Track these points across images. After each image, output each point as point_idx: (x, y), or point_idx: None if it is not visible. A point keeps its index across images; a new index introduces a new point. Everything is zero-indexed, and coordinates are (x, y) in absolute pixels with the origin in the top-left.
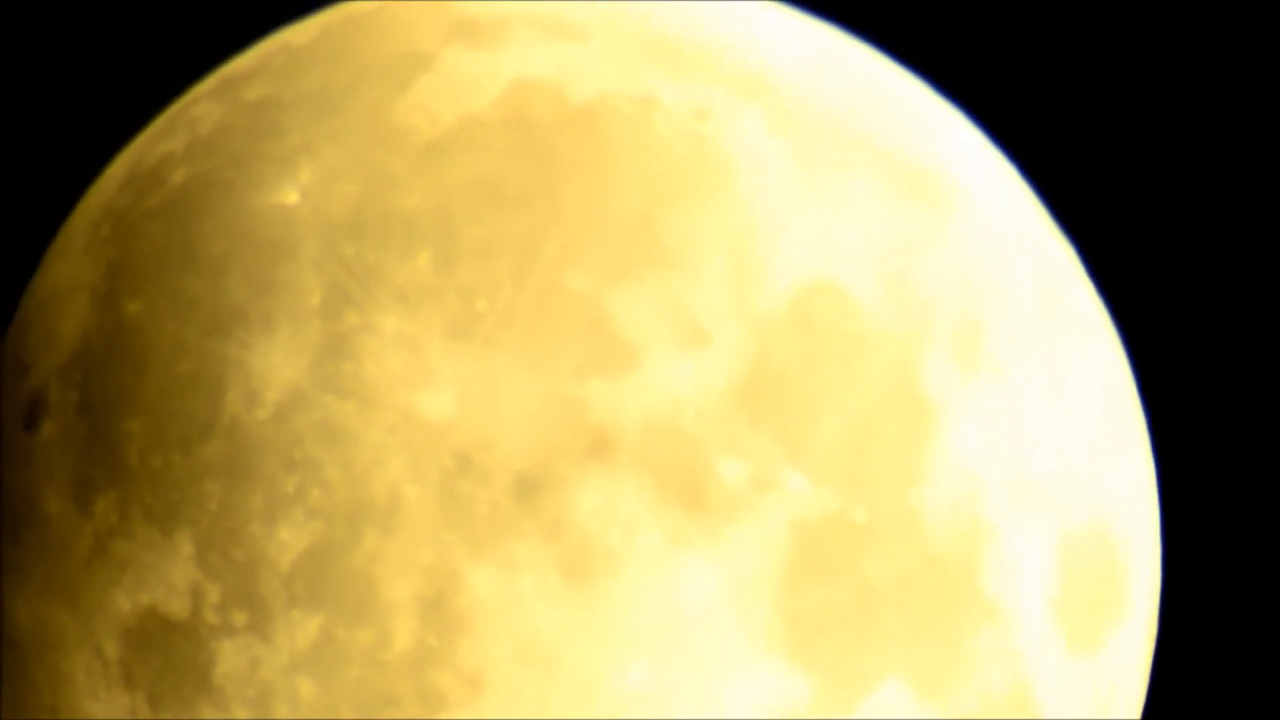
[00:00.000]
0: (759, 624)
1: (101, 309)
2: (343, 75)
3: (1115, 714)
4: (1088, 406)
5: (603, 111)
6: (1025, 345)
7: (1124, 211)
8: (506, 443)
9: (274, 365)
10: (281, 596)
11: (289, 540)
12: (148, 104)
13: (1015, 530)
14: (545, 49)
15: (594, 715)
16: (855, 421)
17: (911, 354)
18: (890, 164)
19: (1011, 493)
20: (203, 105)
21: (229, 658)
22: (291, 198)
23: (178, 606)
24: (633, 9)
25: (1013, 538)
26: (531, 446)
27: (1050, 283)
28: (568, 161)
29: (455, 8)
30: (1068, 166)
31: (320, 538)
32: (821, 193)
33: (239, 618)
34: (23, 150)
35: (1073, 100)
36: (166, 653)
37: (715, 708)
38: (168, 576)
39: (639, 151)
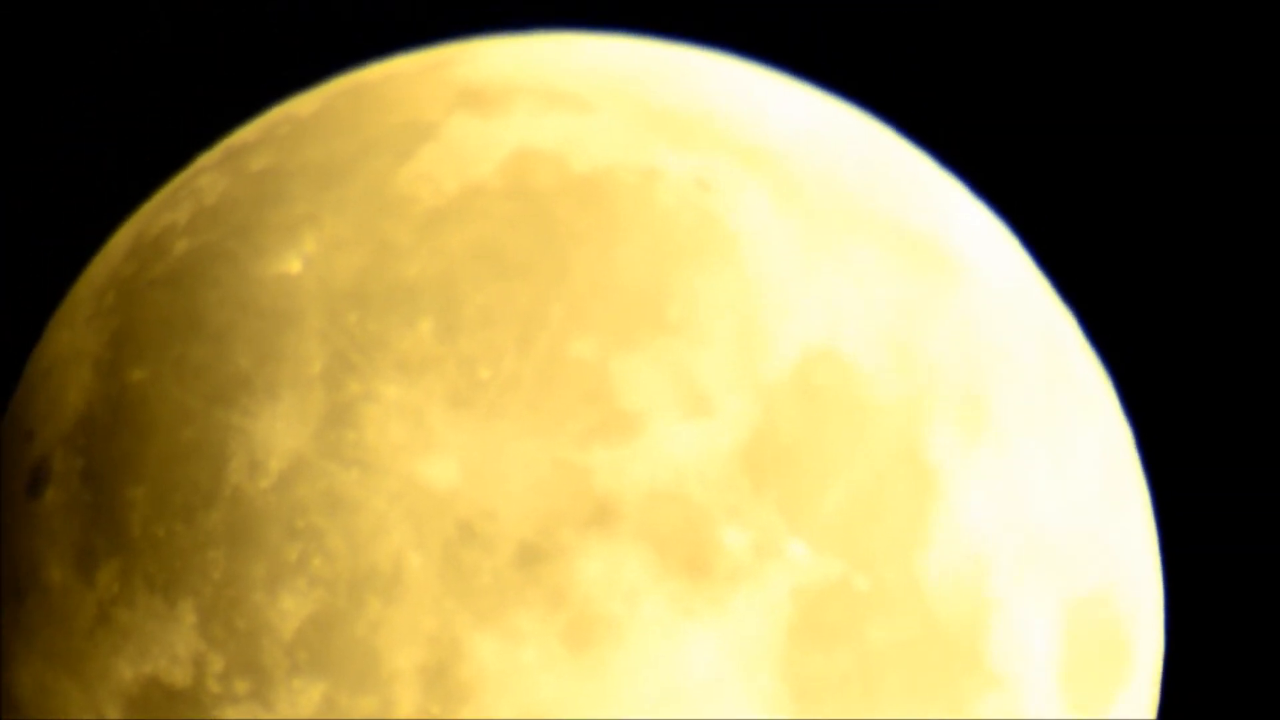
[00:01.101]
0: (762, 692)
1: (106, 377)
2: (346, 145)
3: None
4: (1091, 475)
5: (607, 181)
6: (1029, 414)
7: (1127, 283)
8: (509, 511)
9: (277, 433)
10: (284, 665)
11: (292, 609)
12: (152, 174)
13: (1019, 598)
14: (549, 118)
15: None
16: (859, 489)
17: (915, 422)
18: (894, 234)
19: (1015, 561)
20: (207, 176)
21: None
22: (295, 267)
23: (180, 675)
24: (636, 79)
25: (1017, 606)
26: (534, 514)
27: (1053, 352)
28: (571, 231)
29: (460, 77)
30: (1070, 238)
31: (323, 606)
32: (825, 262)
33: (241, 686)
34: (27, 219)
35: (1077, 173)
36: None
37: None
38: (170, 645)
39: (643, 221)
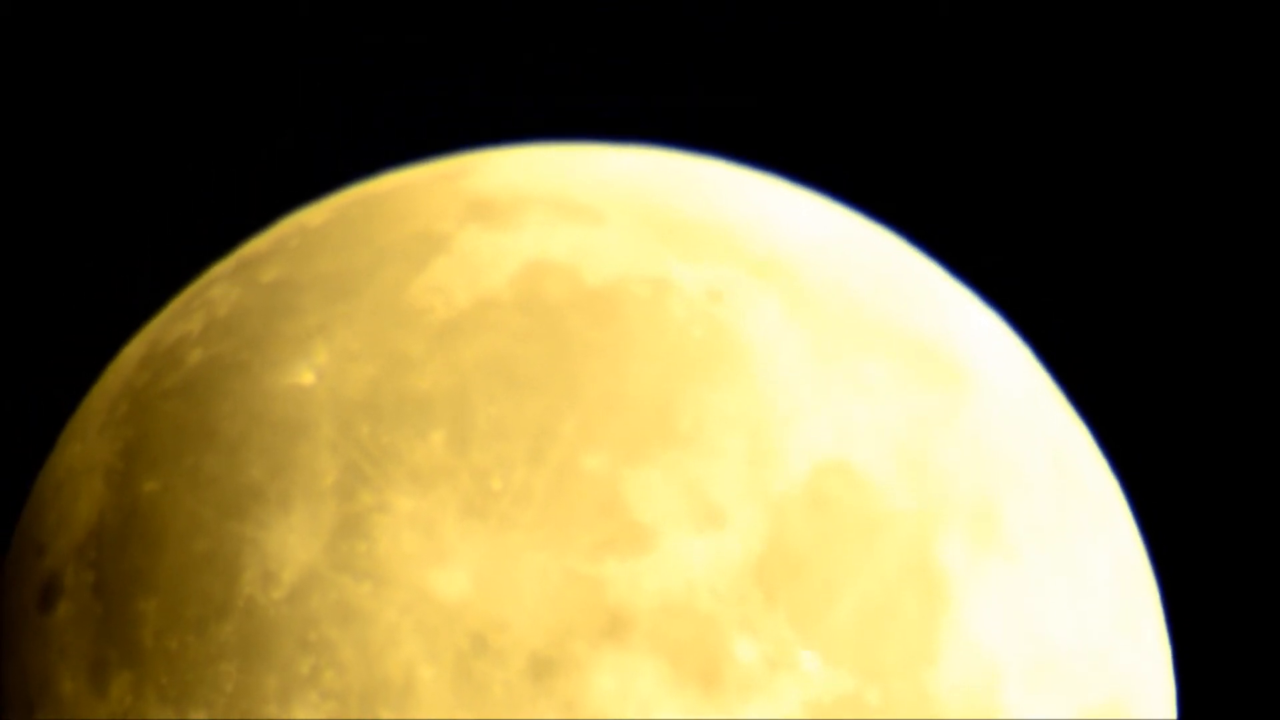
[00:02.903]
0: None
1: (118, 488)
2: (358, 256)
3: None
4: (1103, 587)
5: (618, 293)
6: (1040, 526)
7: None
8: (521, 623)
9: (289, 545)
10: None
11: None
12: (165, 285)
13: (1031, 712)
14: (560, 230)
15: None
16: (870, 602)
17: (927, 535)
18: (905, 345)
19: (1027, 675)
20: (219, 287)
21: None
22: (307, 378)
23: None
24: (647, 190)
25: (1028, 719)
26: (546, 627)
27: (1065, 464)
28: (583, 343)
29: (470, 188)
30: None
31: (335, 719)
32: (836, 375)
33: None
34: (40, 330)
35: (1088, 282)
36: None
37: None
38: None
39: (654, 333)
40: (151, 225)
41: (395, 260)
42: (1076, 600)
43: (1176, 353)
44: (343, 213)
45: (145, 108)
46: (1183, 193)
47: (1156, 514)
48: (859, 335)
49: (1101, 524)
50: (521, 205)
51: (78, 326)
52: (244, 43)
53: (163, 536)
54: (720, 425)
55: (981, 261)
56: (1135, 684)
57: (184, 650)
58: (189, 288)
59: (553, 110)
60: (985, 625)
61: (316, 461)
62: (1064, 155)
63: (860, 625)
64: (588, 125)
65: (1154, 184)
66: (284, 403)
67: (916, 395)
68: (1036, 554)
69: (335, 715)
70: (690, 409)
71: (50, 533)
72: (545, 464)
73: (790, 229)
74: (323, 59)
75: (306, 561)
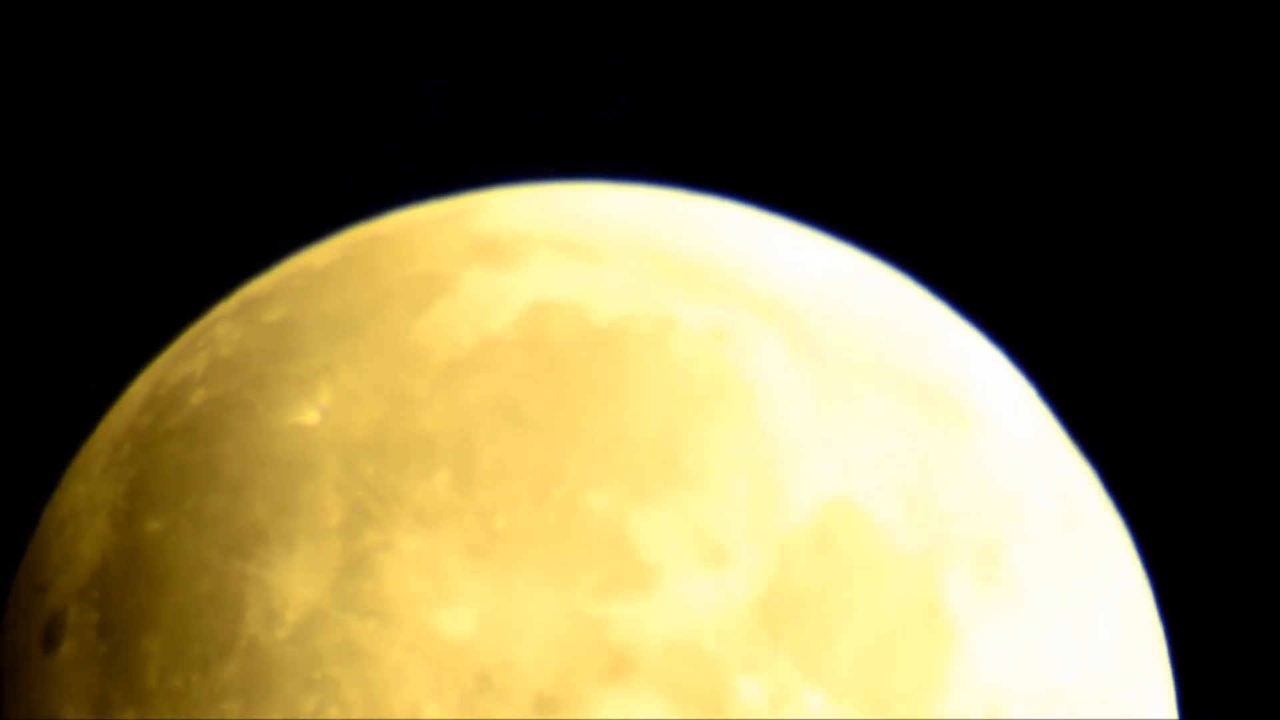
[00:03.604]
0: None
1: (122, 528)
2: (362, 296)
3: None
4: (1107, 625)
5: (622, 332)
6: (1044, 565)
7: (1144, 433)
8: (526, 662)
9: (294, 584)
10: None
11: None
12: (168, 325)
13: None
14: (564, 270)
15: None
16: (874, 640)
17: (930, 573)
18: (908, 384)
19: (1032, 712)
20: (223, 326)
21: None
22: (311, 418)
23: None
24: (650, 229)
25: None
26: (551, 666)
27: (1069, 502)
28: (586, 382)
29: (474, 229)
30: (1088, 387)
31: None
32: (840, 413)
33: None
34: (42, 371)
35: (1092, 320)
36: None
37: None
38: None
39: (658, 372)
40: (155, 263)
41: (399, 300)
42: (1081, 637)
43: (1180, 390)
44: (346, 253)
45: (145, 108)
46: (1189, 232)
47: (1160, 551)
48: (862, 373)
49: (1105, 561)
50: (525, 245)
51: (81, 365)
52: (244, 43)
53: (166, 576)
54: (724, 464)
55: (986, 300)
56: None
57: (188, 689)
58: (192, 328)
59: (553, 110)
60: (990, 663)
61: (321, 501)
62: (1069, 198)
63: (864, 664)
64: (589, 164)
65: (1160, 224)
66: (288, 442)
67: (920, 433)
68: (1040, 591)
69: None
70: (694, 448)
71: (54, 572)
72: (549, 503)
73: (793, 267)
74: (323, 59)
75: (311, 600)
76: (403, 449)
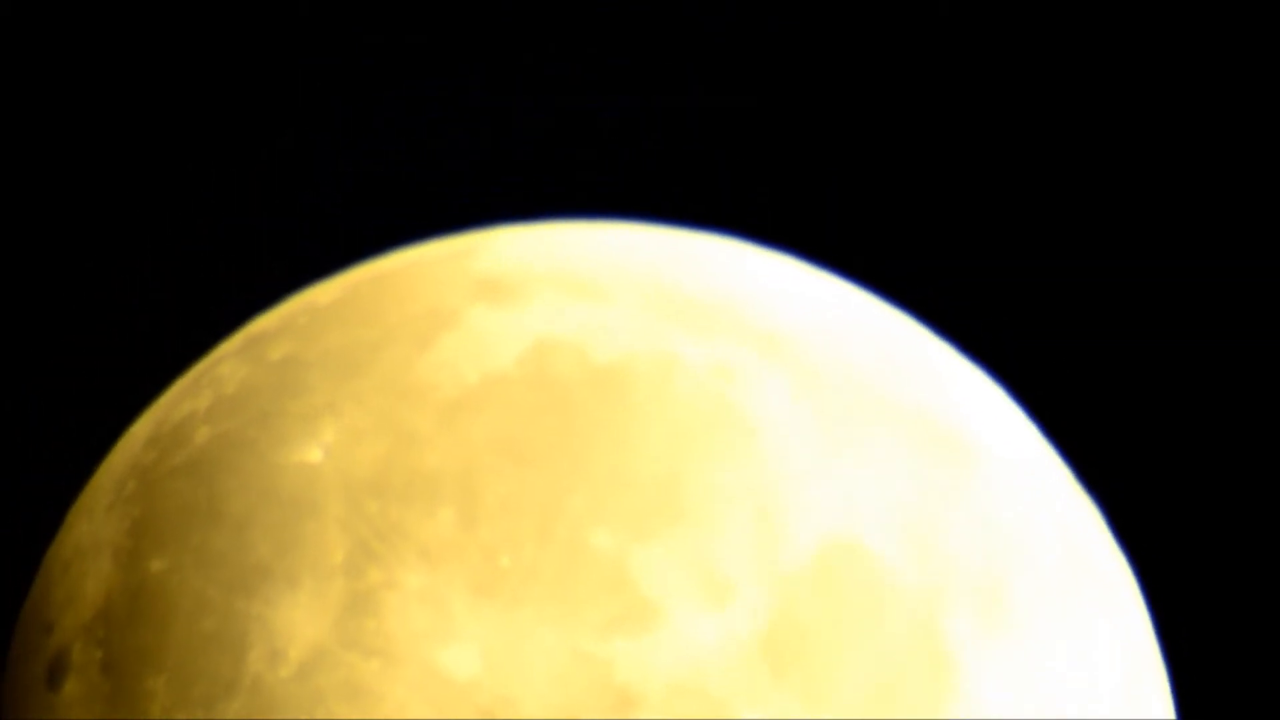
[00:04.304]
0: None
1: (126, 567)
2: (366, 334)
3: None
4: (1110, 663)
5: (625, 370)
6: (1047, 603)
7: (1143, 466)
8: (530, 700)
9: (297, 622)
10: None
11: None
12: (172, 362)
13: None
14: (567, 308)
15: None
16: (877, 678)
17: (933, 611)
18: (912, 422)
19: None
20: (227, 364)
21: None
22: (315, 456)
23: None
24: (654, 267)
25: None
26: (555, 704)
27: (1072, 540)
28: (590, 420)
29: (478, 267)
30: (1088, 423)
31: None
32: (843, 450)
33: None
34: (47, 407)
35: (1094, 358)
36: None
37: None
38: None
39: (661, 410)
40: (160, 300)
41: (403, 338)
42: (1084, 675)
43: (1183, 428)
44: (351, 290)
45: (145, 108)
46: (1187, 267)
47: (1163, 588)
48: (865, 412)
49: (1108, 598)
50: (529, 283)
51: (85, 402)
52: (244, 43)
53: (170, 614)
54: (727, 502)
55: (988, 337)
56: None
57: None
58: (196, 365)
59: (553, 110)
60: (992, 701)
61: (324, 539)
62: (1070, 236)
63: (868, 701)
64: (593, 202)
65: (1158, 258)
66: (291, 480)
67: (922, 470)
68: (1043, 629)
69: None
70: (697, 486)
71: (58, 610)
72: (553, 541)
73: (795, 306)
74: (323, 59)
75: (314, 639)
76: (406, 486)
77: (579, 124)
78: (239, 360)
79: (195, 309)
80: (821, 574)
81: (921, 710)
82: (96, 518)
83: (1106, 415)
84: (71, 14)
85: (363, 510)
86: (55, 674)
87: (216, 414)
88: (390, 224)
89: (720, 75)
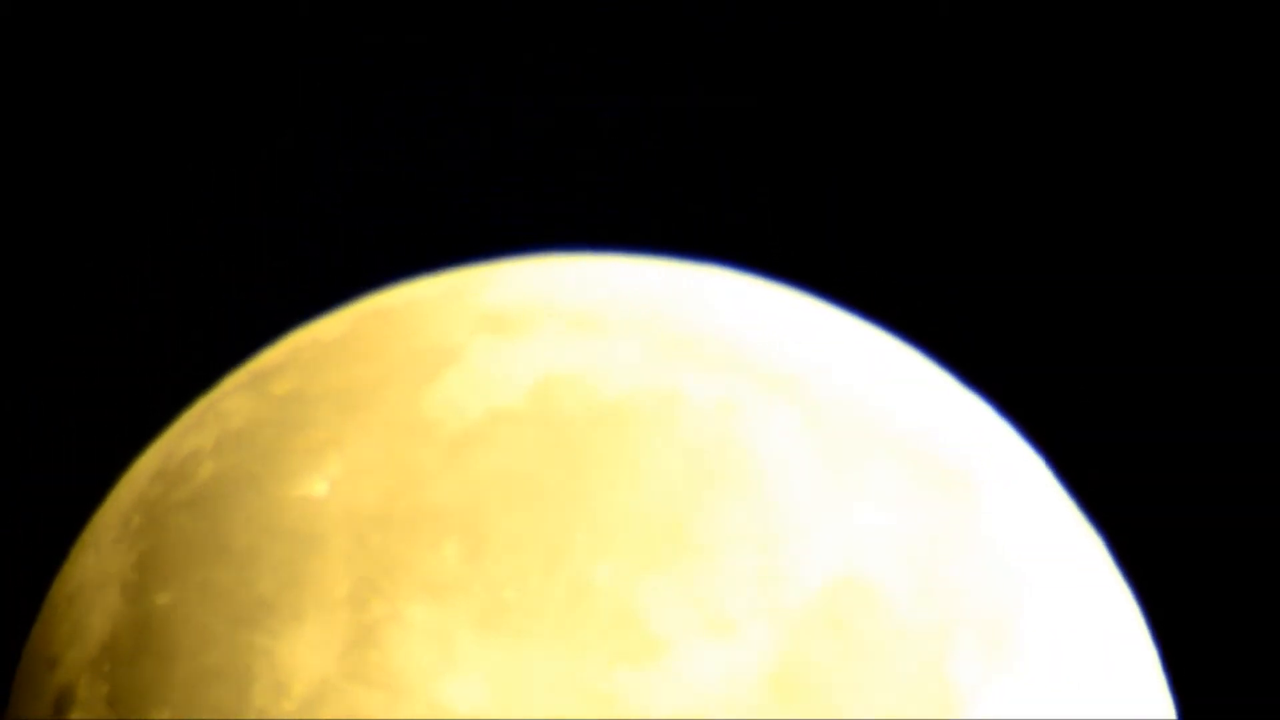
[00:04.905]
0: None
1: (132, 601)
2: (371, 369)
3: None
4: (1118, 699)
5: (630, 406)
6: (1054, 638)
7: (1150, 500)
8: None
9: (301, 656)
10: None
11: None
12: (177, 397)
13: None
14: (573, 343)
15: None
16: (885, 715)
17: (940, 648)
18: (917, 457)
19: None
20: (232, 399)
21: None
22: (319, 490)
23: None
24: (658, 301)
25: None
26: None
27: (1079, 575)
28: (595, 455)
29: (483, 301)
30: (1095, 458)
31: None
32: (849, 486)
33: None
34: (52, 442)
35: (1099, 392)
36: None
37: None
38: None
39: (667, 445)
40: (165, 335)
41: (407, 372)
42: (1091, 710)
43: (1189, 458)
44: (355, 325)
45: (145, 108)
46: (1191, 300)
47: (1170, 623)
48: (871, 447)
49: (1115, 633)
50: (533, 318)
51: (91, 437)
52: (244, 43)
53: (175, 648)
54: (733, 538)
55: (994, 371)
56: None
57: None
58: (202, 400)
59: (553, 110)
60: None
61: (329, 573)
62: (1075, 270)
63: None
64: (597, 236)
65: (1161, 289)
66: (296, 515)
67: (929, 507)
68: (1050, 662)
69: None
70: (703, 521)
71: (63, 645)
72: (559, 575)
73: (800, 341)
74: (323, 59)
75: (319, 672)
76: (411, 521)
77: (579, 124)
78: (244, 395)
79: (195, 309)
80: (828, 611)
81: None
82: (103, 551)
83: (1112, 447)
84: (71, 14)
85: (367, 544)
86: (60, 709)
87: (222, 449)
88: (390, 224)
89: (720, 75)
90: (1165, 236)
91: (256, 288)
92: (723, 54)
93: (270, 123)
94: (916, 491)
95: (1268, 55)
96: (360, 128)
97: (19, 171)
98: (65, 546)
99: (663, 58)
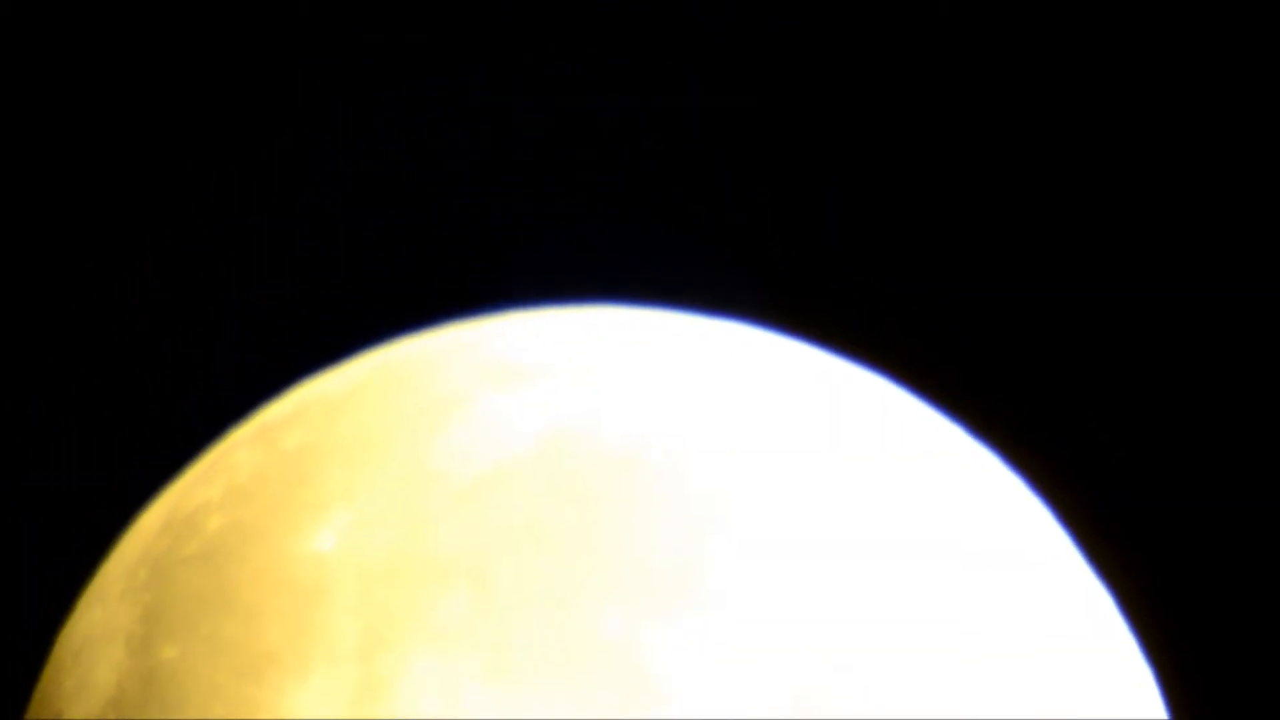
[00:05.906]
0: None
1: (137, 655)
2: (379, 421)
3: None
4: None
5: (638, 456)
6: (1067, 694)
7: (1152, 553)
8: None
9: (308, 709)
10: None
11: None
12: (184, 450)
13: None
14: (579, 393)
15: None
16: None
17: (956, 698)
18: (924, 506)
19: None
20: (240, 452)
21: None
22: (327, 544)
23: None
24: (664, 352)
25: None
26: None
27: (1089, 630)
28: (604, 505)
29: (490, 353)
30: (1096, 462)
31: None
32: (856, 533)
33: None
34: (58, 494)
35: (1104, 448)
36: None
37: None
38: None
39: (675, 493)
40: (171, 389)
41: (416, 425)
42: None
43: (1189, 461)
44: (363, 378)
45: (144, 108)
46: (1191, 301)
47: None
48: (876, 494)
49: (1128, 692)
50: (539, 370)
51: (96, 490)
52: (244, 43)
53: (181, 703)
54: (742, 584)
55: (1002, 423)
56: None
57: None
58: (209, 452)
59: (553, 110)
60: None
61: (336, 625)
62: (1084, 335)
63: None
64: (588, 125)
65: (1161, 290)
66: (303, 568)
67: (938, 563)
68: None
69: None
70: (712, 569)
71: (69, 700)
72: (567, 624)
73: (808, 391)
74: (323, 59)
75: None
76: (419, 572)
77: (579, 124)
78: (252, 448)
79: (195, 309)
80: (837, 658)
81: None
82: (109, 605)
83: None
84: (71, 14)
85: (375, 596)
86: None
87: (229, 503)
88: (390, 224)
89: (720, 75)
90: (1165, 240)
91: (257, 288)
92: (723, 54)
93: (270, 123)
94: (924, 541)
95: (1268, 58)
96: (360, 128)
97: (19, 171)
98: (65, 546)
99: (663, 58)
